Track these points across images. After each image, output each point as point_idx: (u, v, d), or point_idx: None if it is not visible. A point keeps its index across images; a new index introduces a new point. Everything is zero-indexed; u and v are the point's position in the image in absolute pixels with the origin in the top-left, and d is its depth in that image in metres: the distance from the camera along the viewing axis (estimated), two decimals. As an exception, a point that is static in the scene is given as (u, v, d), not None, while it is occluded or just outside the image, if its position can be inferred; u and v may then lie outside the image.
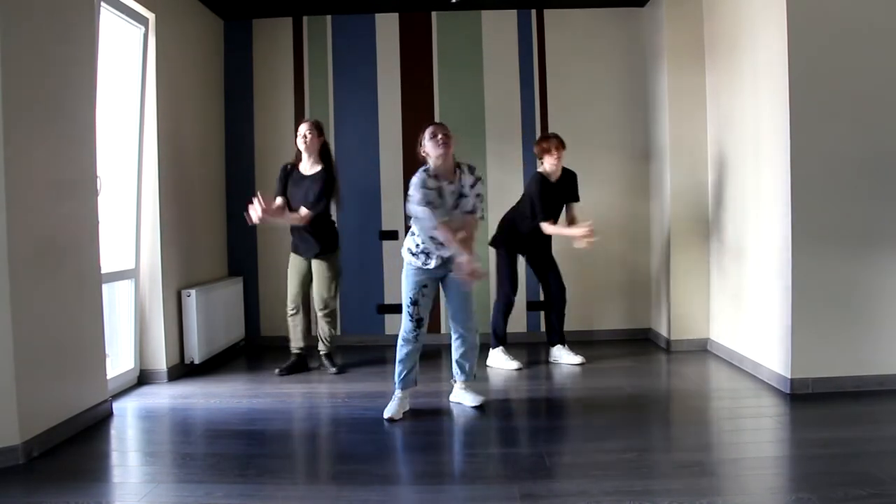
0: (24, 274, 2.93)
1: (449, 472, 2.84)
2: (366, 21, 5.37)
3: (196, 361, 4.50)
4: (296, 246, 4.44)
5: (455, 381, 3.70)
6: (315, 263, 4.38)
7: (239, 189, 5.36)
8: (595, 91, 5.33)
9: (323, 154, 4.37)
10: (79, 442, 3.17)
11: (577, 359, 4.54)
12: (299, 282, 4.46)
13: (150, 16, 4.21)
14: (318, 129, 4.36)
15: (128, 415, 3.65)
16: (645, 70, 5.29)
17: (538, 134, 5.20)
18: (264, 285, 5.40)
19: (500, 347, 4.58)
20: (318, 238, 4.32)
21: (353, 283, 5.37)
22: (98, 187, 3.55)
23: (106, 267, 3.72)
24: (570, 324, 4.74)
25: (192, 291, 4.48)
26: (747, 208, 4.25)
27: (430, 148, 3.40)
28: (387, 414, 3.45)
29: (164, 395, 3.98)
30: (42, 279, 3.07)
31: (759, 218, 4.08)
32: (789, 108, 3.66)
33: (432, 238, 3.39)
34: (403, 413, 3.49)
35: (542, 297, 5.29)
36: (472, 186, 3.43)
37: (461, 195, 3.42)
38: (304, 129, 4.33)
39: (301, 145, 4.33)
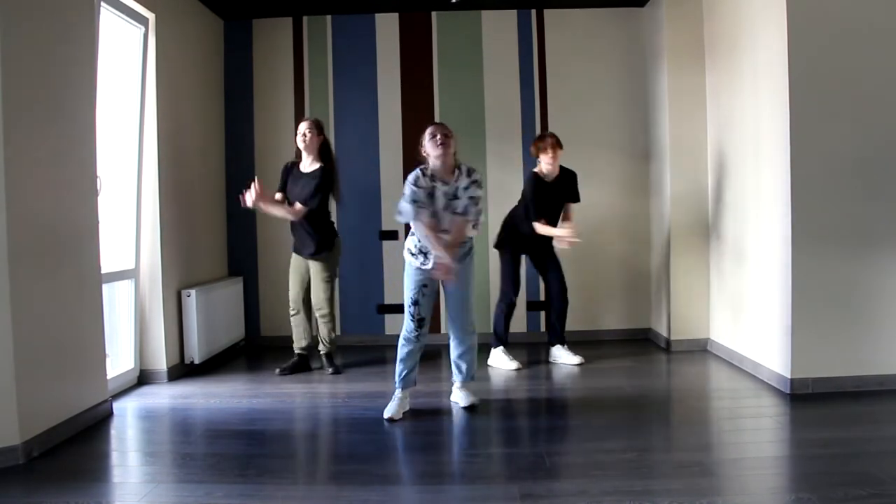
0: (24, 274, 2.93)
1: (449, 472, 2.84)
2: (366, 21, 5.37)
3: (196, 361, 4.50)
4: (296, 246, 4.45)
5: (454, 381, 3.71)
6: (311, 264, 4.38)
7: (239, 189, 5.28)
8: (595, 91, 5.33)
9: (323, 152, 4.36)
10: (79, 442, 3.17)
11: (576, 359, 4.54)
12: (300, 282, 4.46)
13: (150, 16, 4.21)
14: (317, 127, 4.36)
15: (128, 415, 3.65)
16: (645, 70, 5.29)
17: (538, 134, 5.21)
18: (264, 285, 5.40)
19: (501, 347, 4.58)
20: (315, 237, 4.31)
21: (353, 283, 5.37)
22: (98, 187, 3.55)
23: (106, 267, 3.72)
24: (571, 324, 4.74)
25: (192, 291, 4.48)
26: (747, 208, 4.25)
27: (429, 148, 3.40)
28: (387, 414, 3.45)
29: (164, 395, 3.98)
30: (42, 279, 3.07)
31: (759, 218, 4.08)
32: (789, 108, 3.66)
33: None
34: (403, 413, 3.49)
35: (542, 297, 5.32)
36: (466, 189, 3.39)
37: (454, 197, 3.41)
38: (303, 127, 4.33)
39: (301, 144, 4.33)
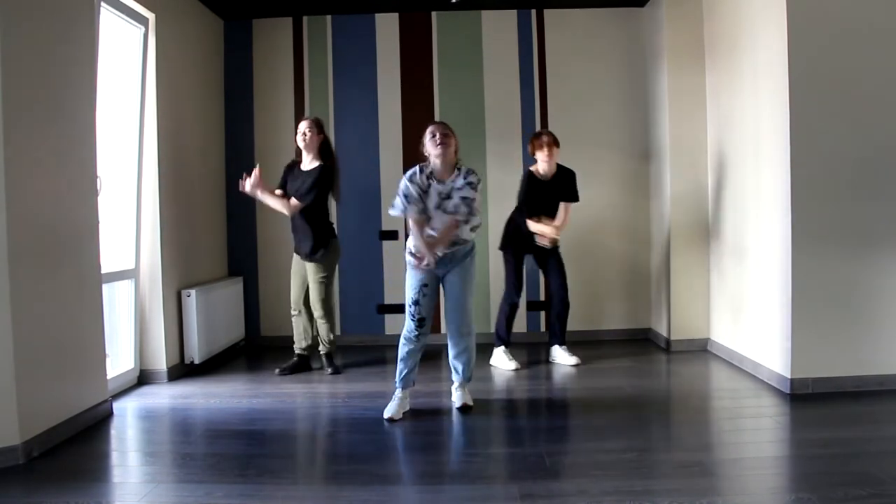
0: (24, 274, 2.93)
1: (449, 472, 2.84)
2: (366, 21, 5.37)
3: (196, 361, 4.50)
4: (295, 246, 4.45)
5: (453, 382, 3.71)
6: (307, 265, 4.37)
7: (239, 189, 5.35)
8: (595, 91, 5.33)
9: (323, 151, 4.36)
10: (79, 442, 3.17)
11: (572, 360, 4.54)
12: (300, 283, 4.46)
13: (150, 16, 4.21)
14: (317, 126, 4.36)
15: (128, 415, 3.65)
16: (645, 70, 5.29)
17: (538, 134, 5.21)
18: (264, 285, 5.40)
19: (502, 347, 4.58)
20: (311, 238, 4.30)
21: (353, 283, 5.37)
22: (98, 187, 3.55)
23: (106, 267, 3.72)
24: (571, 324, 4.73)
25: (192, 291, 4.48)
26: (747, 208, 4.25)
27: (429, 147, 3.41)
28: (387, 414, 3.45)
29: (164, 395, 3.98)
30: (42, 279, 3.07)
31: (759, 218, 4.08)
32: (789, 108, 3.66)
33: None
34: (403, 413, 3.49)
35: (542, 298, 5.32)
36: (460, 189, 3.38)
37: (448, 196, 3.40)
38: (303, 126, 4.33)
39: (301, 143, 4.33)
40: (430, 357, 4.51)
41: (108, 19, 3.89)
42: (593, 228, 5.25)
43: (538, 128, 5.30)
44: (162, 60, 4.30)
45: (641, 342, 5.23)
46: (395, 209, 3.45)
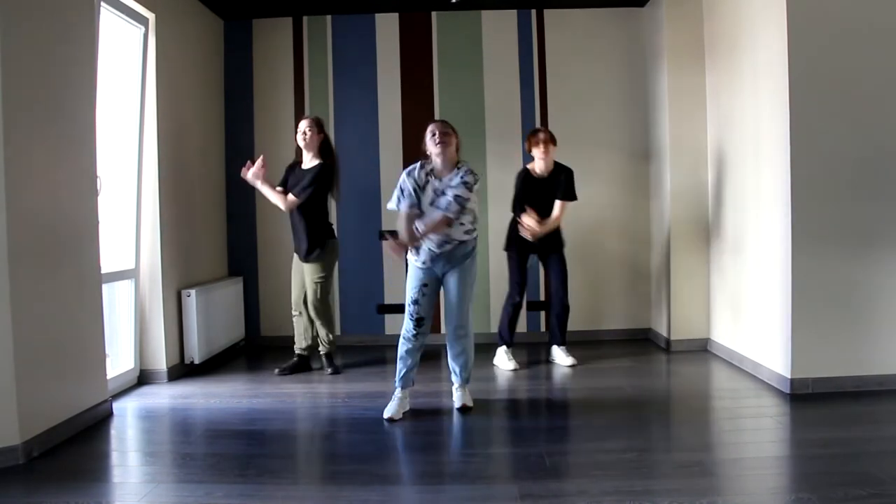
0: (24, 274, 2.93)
1: (449, 472, 2.84)
2: (366, 21, 5.37)
3: (196, 361, 4.50)
4: (295, 247, 4.44)
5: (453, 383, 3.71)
6: (305, 266, 4.37)
7: (239, 189, 5.34)
8: (595, 91, 5.33)
9: (323, 149, 4.36)
10: (79, 442, 3.17)
11: (568, 360, 4.53)
12: (300, 283, 4.46)
13: (150, 16, 4.21)
14: (318, 125, 4.36)
15: (128, 415, 3.65)
16: (645, 70, 5.29)
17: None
18: (264, 285, 5.40)
19: (504, 347, 4.58)
20: (308, 237, 4.30)
21: (353, 283, 5.37)
22: (98, 187, 3.55)
23: (106, 267, 3.72)
24: (571, 323, 4.72)
25: (192, 291, 4.48)
26: (747, 208, 4.25)
27: (429, 145, 3.44)
28: (387, 414, 3.45)
29: (164, 395, 3.98)
30: (42, 279, 3.07)
31: (759, 218, 4.08)
32: (789, 108, 3.66)
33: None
34: (403, 413, 3.49)
35: (542, 298, 5.32)
36: (455, 187, 3.39)
37: (442, 193, 3.41)
38: (303, 125, 4.33)
39: (301, 142, 4.33)
40: (430, 357, 4.51)
41: (108, 19, 3.89)
42: (593, 228, 5.25)
43: (538, 128, 5.30)
44: (162, 60, 4.30)
45: (641, 342, 5.23)
46: (391, 203, 3.50)
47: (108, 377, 3.68)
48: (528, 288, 5.15)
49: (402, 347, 3.52)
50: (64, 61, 3.27)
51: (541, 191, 4.45)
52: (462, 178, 3.39)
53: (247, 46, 5.41)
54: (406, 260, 3.55)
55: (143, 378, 4.26)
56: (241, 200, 5.37)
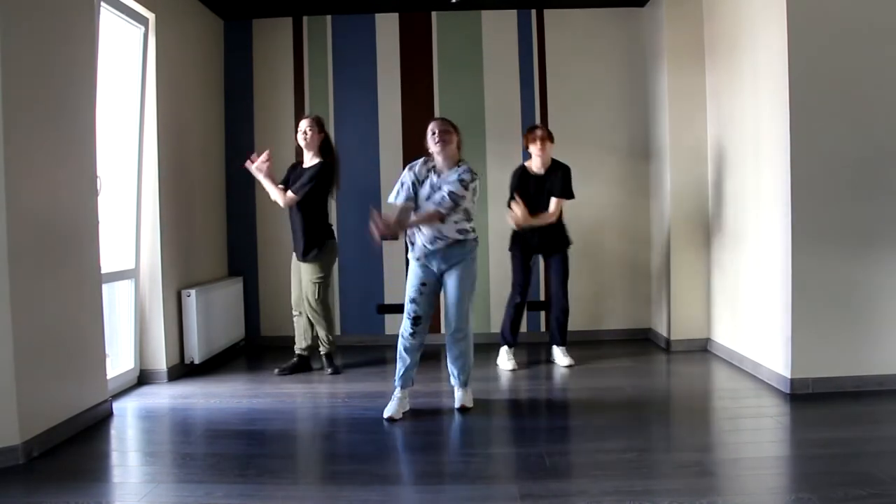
0: (24, 274, 2.93)
1: (449, 472, 2.84)
2: (366, 21, 5.37)
3: (196, 361, 4.50)
4: (293, 245, 4.44)
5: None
6: (302, 265, 4.37)
7: (239, 189, 5.36)
8: (595, 91, 5.33)
9: (324, 148, 4.36)
10: (79, 442, 3.17)
11: (565, 360, 4.53)
12: (299, 283, 4.45)
13: (150, 16, 4.21)
14: (318, 124, 4.36)
15: (128, 415, 3.65)
16: (645, 70, 5.29)
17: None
18: (264, 285, 5.40)
19: (504, 347, 4.57)
20: (305, 237, 4.29)
21: (353, 283, 5.37)
22: (98, 187, 3.55)
23: (106, 267, 3.72)
24: (571, 323, 4.71)
25: (192, 291, 4.48)
26: (747, 208, 4.25)
27: (430, 144, 3.47)
28: (387, 413, 3.45)
29: (164, 395, 3.98)
30: (42, 279, 3.07)
31: (759, 218, 4.08)
32: (789, 108, 3.66)
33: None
34: (403, 413, 3.49)
35: (542, 298, 5.31)
36: (450, 183, 3.40)
37: (439, 188, 3.42)
38: (304, 125, 4.33)
39: (302, 142, 4.33)
40: (430, 357, 4.51)
41: (108, 19, 3.89)
42: (593, 228, 5.24)
43: (538, 128, 5.30)
44: (162, 60, 4.30)
45: (641, 342, 5.23)
46: (391, 196, 3.54)
47: (108, 377, 3.68)
48: (529, 288, 5.16)
49: (401, 346, 3.52)
50: (64, 61, 3.28)
51: (537, 188, 4.44)
52: (459, 175, 3.41)
53: (247, 46, 5.41)
54: (380, 243, 3.53)
55: (143, 378, 4.26)
56: (241, 200, 5.38)
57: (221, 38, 5.37)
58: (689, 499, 2.40)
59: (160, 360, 4.28)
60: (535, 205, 4.42)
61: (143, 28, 4.18)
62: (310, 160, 4.36)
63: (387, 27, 5.37)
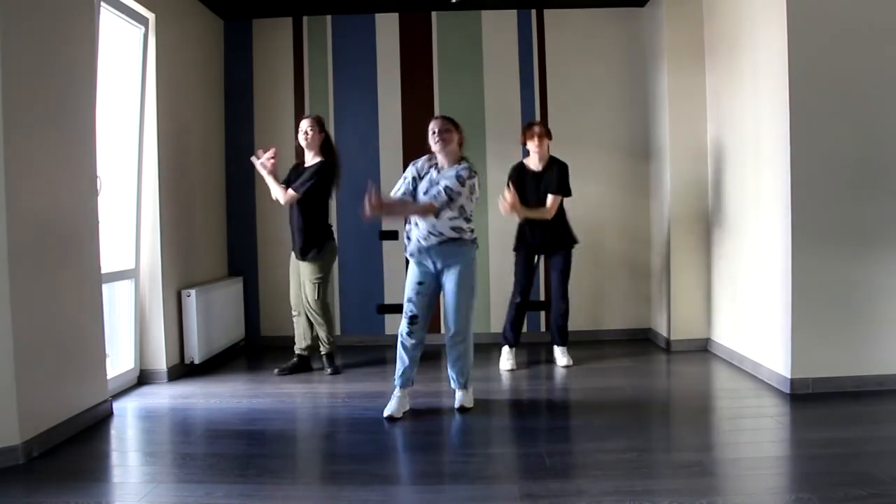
0: (24, 274, 2.93)
1: (449, 472, 2.84)
2: (366, 21, 5.37)
3: (196, 361, 4.50)
4: (292, 245, 4.44)
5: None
6: (302, 265, 4.37)
7: (239, 189, 5.36)
8: (595, 91, 5.33)
9: (324, 148, 4.37)
10: (79, 442, 3.17)
11: (564, 360, 4.53)
12: (298, 283, 4.45)
13: (150, 16, 4.21)
14: (319, 124, 4.36)
15: (128, 415, 3.65)
16: (645, 70, 5.29)
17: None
18: (264, 285, 5.40)
19: (505, 347, 4.57)
20: (303, 236, 4.29)
21: (353, 283, 5.37)
22: (98, 187, 3.55)
23: (106, 267, 3.72)
24: (571, 323, 4.71)
25: (192, 291, 4.48)
26: (747, 208, 4.25)
27: (430, 142, 3.49)
28: (387, 412, 3.45)
29: (164, 395, 3.98)
30: (42, 279, 3.07)
31: (759, 218, 4.08)
32: (789, 108, 3.66)
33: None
34: (404, 412, 3.49)
35: (542, 297, 5.31)
36: (447, 178, 3.41)
37: (437, 184, 3.43)
38: (305, 125, 4.34)
39: (303, 142, 4.34)
40: (430, 357, 4.51)
41: (108, 19, 3.89)
42: (593, 228, 5.24)
43: (538, 128, 5.30)
44: (162, 60, 4.30)
45: (641, 342, 5.23)
46: (393, 190, 3.58)
47: (108, 377, 3.67)
48: (531, 288, 5.16)
49: (400, 346, 3.53)
50: (64, 61, 3.27)
51: (535, 185, 4.43)
52: (457, 171, 3.42)
53: (247, 46, 5.41)
54: (368, 218, 3.50)
55: (143, 378, 4.25)
56: (241, 200, 5.38)
57: (221, 38, 5.37)
58: (689, 499, 2.40)
59: (160, 360, 4.28)
60: (533, 202, 4.41)
61: (143, 28, 4.18)
62: (311, 160, 4.36)
63: (387, 27, 5.37)
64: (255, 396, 3.94)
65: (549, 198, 4.40)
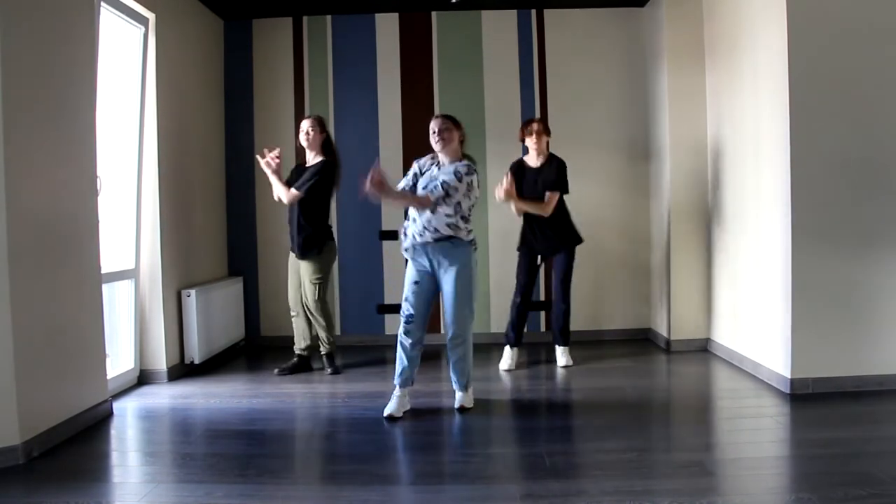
0: (24, 274, 2.93)
1: (449, 472, 2.84)
2: (366, 21, 5.37)
3: (196, 361, 4.50)
4: (291, 244, 4.44)
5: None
6: (302, 265, 4.37)
7: (239, 189, 5.37)
8: (595, 91, 5.33)
9: (325, 148, 4.37)
10: (79, 442, 3.17)
11: (562, 361, 4.53)
12: (296, 283, 4.45)
13: (150, 16, 4.21)
14: (320, 124, 4.37)
15: (128, 415, 3.65)
16: (645, 70, 5.29)
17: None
18: (264, 285, 5.40)
19: (506, 347, 4.56)
20: (301, 235, 4.29)
21: (353, 283, 5.37)
22: (98, 187, 3.55)
23: (106, 267, 3.72)
24: (571, 323, 4.71)
25: (192, 291, 4.48)
26: (747, 208, 4.25)
27: (431, 142, 3.49)
28: (387, 412, 3.45)
29: (164, 395, 3.98)
30: (42, 279, 3.07)
31: (758, 218, 4.08)
32: (789, 108, 3.66)
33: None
34: (404, 412, 3.49)
35: (542, 297, 5.31)
36: (445, 173, 3.42)
37: (436, 179, 3.44)
38: (306, 125, 4.34)
39: (304, 142, 4.34)
40: (431, 357, 4.51)
41: (108, 19, 3.89)
42: (593, 228, 5.22)
43: (538, 128, 5.30)
44: (162, 60, 4.30)
45: (641, 342, 5.23)
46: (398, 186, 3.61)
47: (108, 377, 3.67)
48: (532, 289, 5.15)
49: (399, 345, 3.54)
50: (64, 61, 3.27)
51: (533, 181, 4.42)
52: (456, 167, 3.43)
53: (247, 46, 5.41)
54: (364, 195, 3.46)
55: (143, 378, 4.25)
56: (241, 200, 5.38)
57: (221, 38, 5.37)
58: (689, 499, 2.40)
59: (160, 360, 4.28)
60: (531, 198, 4.40)
61: (143, 28, 4.18)
62: (312, 160, 4.37)
63: (387, 27, 5.37)
64: (255, 396, 3.94)
65: (547, 194, 4.39)
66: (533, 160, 4.46)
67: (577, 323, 5.02)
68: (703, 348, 4.89)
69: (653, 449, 3.00)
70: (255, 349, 5.30)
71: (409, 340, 3.50)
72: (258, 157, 4.37)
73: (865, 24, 3.65)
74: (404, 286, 3.55)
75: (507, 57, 5.35)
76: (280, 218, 4.88)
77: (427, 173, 3.51)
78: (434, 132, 3.46)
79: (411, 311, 3.49)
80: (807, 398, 3.61)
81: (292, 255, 4.45)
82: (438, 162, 3.53)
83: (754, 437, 3.11)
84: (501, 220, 5.03)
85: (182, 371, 4.46)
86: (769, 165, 3.92)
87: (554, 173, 4.38)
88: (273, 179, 4.31)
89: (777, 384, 3.82)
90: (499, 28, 5.35)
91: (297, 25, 5.39)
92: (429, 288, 3.53)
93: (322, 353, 4.49)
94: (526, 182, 4.42)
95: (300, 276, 4.41)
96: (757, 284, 4.12)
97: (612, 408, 3.62)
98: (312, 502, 2.54)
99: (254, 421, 3.49)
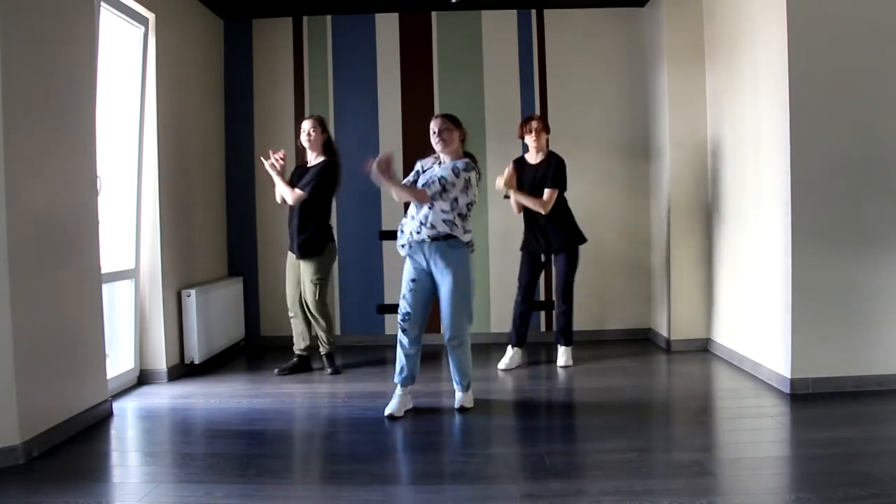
0: (24, 273, 2.93)
1: (449, 472, 2.84)
2: (366, 21, 5.37)
3: (196, 361, 4.50)
4: (289, 244, 4.44)
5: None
6: (302, 265, 4.37)
7: (239, 189, 5.37)
8: (595, 91, 5.33)
9: (327, 148, 4.37)
10: (79, 442, 3.17)
11: (561, 361, 4.53)
12: (295, 283, 4.44)
13: (150, 16, 4.21)
14: (321, 124, 4.37)
15: (128, 415, 3.65)
16: (645, 70, 5.29)
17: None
18: (264, 285, 5.40)
19: (509, 346, 4.56)
20: (301, 235, 4.29)
21: (353, 283, 5.37)
22: (98, 187, 3.55)
23: (106, 267, 3.72)
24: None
25: (192, 291, 4.48)
26: (747, 208, 4.25)
27: (432, 142, 3.49)
28: (387, 411, 3.46)
29: (164, 395, 3.98)
30: (42, 279, 3.07)
31: (759, 218, 4.08)
32: (789, 108, 3.66)
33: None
34: (405, 411, 3.49)
35: (542, 297, 5.31)
36: (443, 169, 3.43)
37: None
38: (307, 125, 4.34)
39: (305, 142, 4.34)
40: (431, 357, 4.51)
41: (108, 19, 3.89)
42: (593, 228, 5.21)
43: (538, 128, 5.29)
44: (162, 60, 4.30)
45: (641, 342, 5.23)
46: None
47: (108, 377, 3.67)
48: (534, 289, 5.14)
49: (398, 343, 3.55)
50: (64, 61, 3.27)
51: (531, 177, 4.41)
52: (454, 163, 3.44)
53: (247, 46, 5.40)
54: (367, 171, 3.45)
55: (143, 378, 4.25)
56: (241, 200, 5.38)
57: (221, 38, 5.37)
58: (689, 499, 2.40)
59: (160, 360, 4.28)
60: (530, 195, 4.39)
61: (143, 28, 4.18)
62: (313, 160, 4.37)
63: (387, 27, 5.37)
64: (255, 396, 3.94)
65: (546, 192, 4.39)
66: (532, 157, 4.46)
67: (577, 323, 5.01)
68: (703, 348, 4.89)
69: (653, 449, 3.00)
70: (255, 349, 5.30)
71: (407, 338, 3.50)
72: (262, 158, 4.36)
73: (865, 24, 3.65)
74: (402, 284, 3.55)
75: (507, 57, 5.35)
76: (280, 218, 4.88)
77: (428, 171, 3.51)
78: (434, 132, 3.46)
79: (408, 308, 3.50)
80: (807, 398, 3.61)
81: (290, 256, 4.45)
82: (440, 162, 3.53)
83: (754, 437, 3.11)
84: (501, 220, 5.03)
85: (182, 371, 4.46)
86: (769, 165, 3.92)
87: (553, 171, 4.37)
88: (277, 180, 4.31)
89: (777, 384, 3.82)
90: (499, 28, 5.35)
91: (297, 25, 5.39)
92: (426, 286, 3.52)
93: (322, 353, 4.49)
94: (525, 178, 4.42)
95: (299, 276, 4.41)
96: (757, 284, 4.12)
97: (612, 408, 3.62)
98: (312, 502, 2.54)
99: (254, 421, 3.49)
